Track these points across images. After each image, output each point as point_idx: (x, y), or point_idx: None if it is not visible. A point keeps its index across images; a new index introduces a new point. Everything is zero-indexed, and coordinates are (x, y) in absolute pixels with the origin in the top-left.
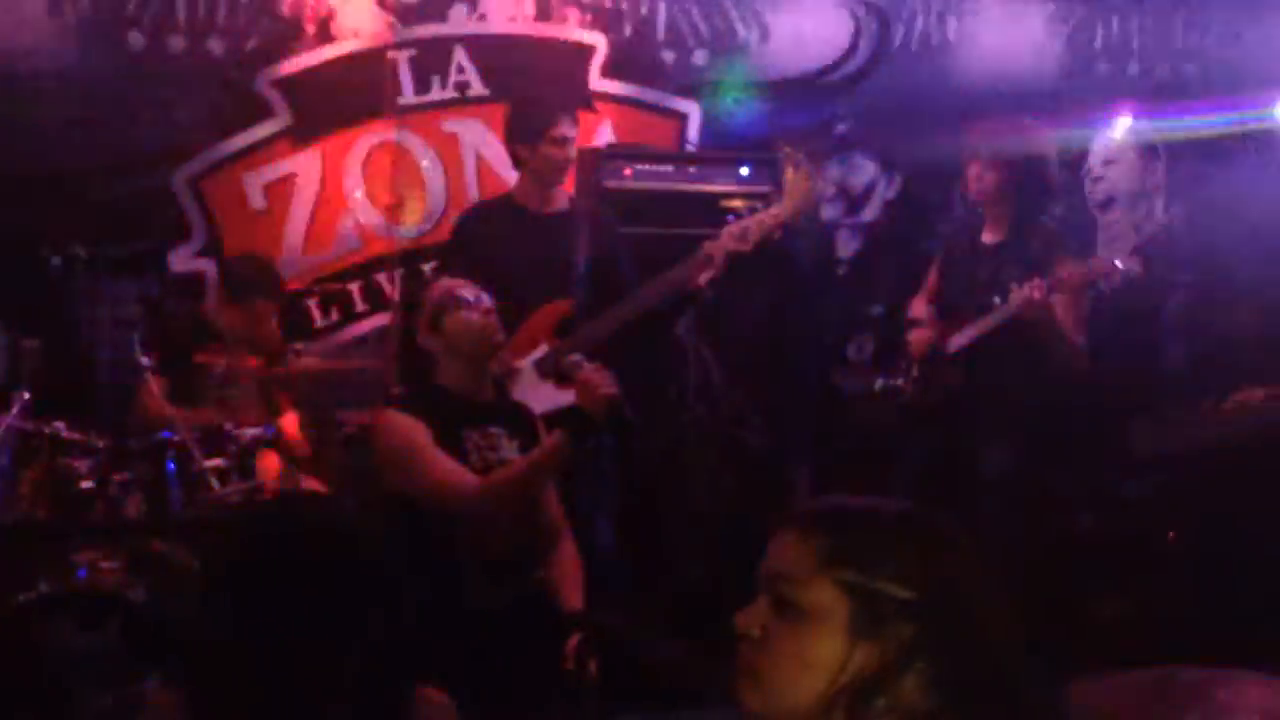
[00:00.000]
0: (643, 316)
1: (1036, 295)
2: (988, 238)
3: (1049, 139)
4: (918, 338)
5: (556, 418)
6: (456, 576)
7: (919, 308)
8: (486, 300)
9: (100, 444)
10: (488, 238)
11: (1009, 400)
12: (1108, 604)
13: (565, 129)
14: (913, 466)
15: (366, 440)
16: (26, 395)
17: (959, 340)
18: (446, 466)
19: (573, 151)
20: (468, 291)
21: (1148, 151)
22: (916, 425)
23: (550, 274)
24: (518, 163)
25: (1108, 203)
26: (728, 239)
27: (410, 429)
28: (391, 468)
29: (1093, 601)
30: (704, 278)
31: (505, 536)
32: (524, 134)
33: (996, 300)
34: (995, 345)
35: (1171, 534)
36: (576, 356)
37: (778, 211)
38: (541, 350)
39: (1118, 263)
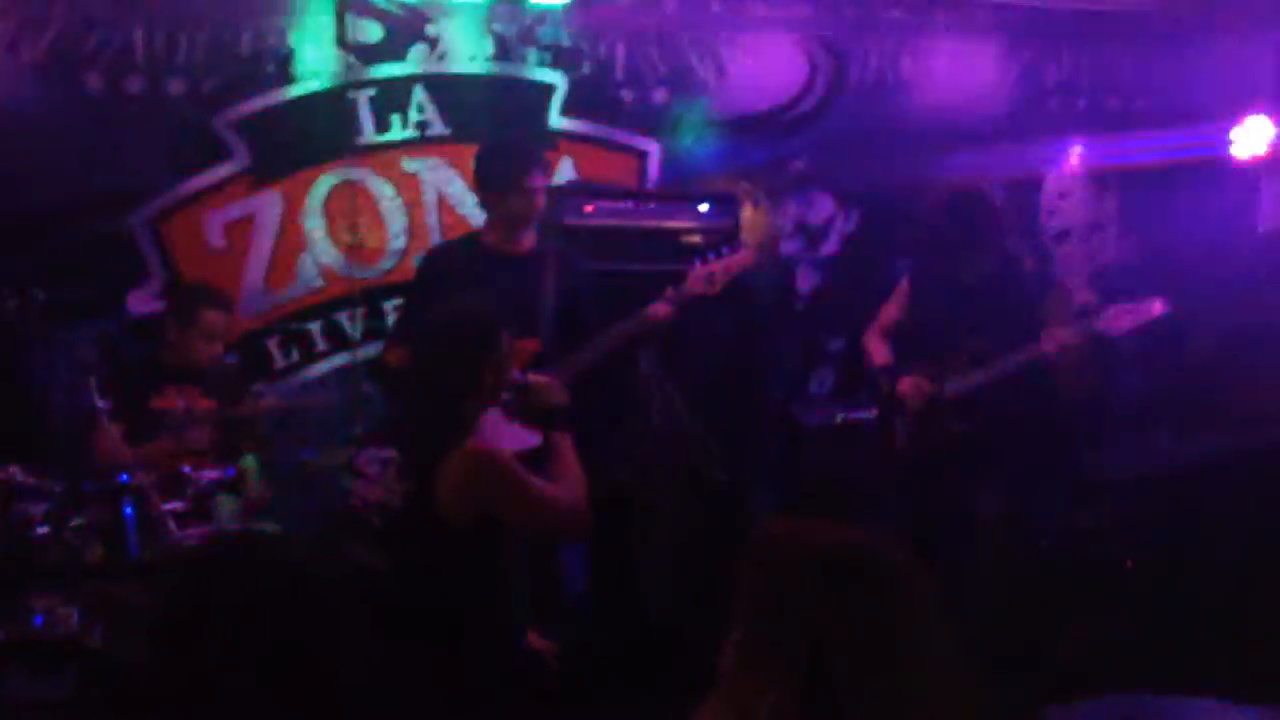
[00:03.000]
0: (609, 357)
1: (1074, 340)
2: (968, 277)
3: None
4: (913, 385)
5: (552, 423)
6: (505, 607)
7: (881, 347)
8: None
9: (56, 488)
10: (453, 276)
11: (1013, 445)
12: (1072, 633)
13: (535, 179)
14: (901, 512)
15: (450, 474)
16: None
17: (959, 385)
18: (548, 488)
19: (542, 200)
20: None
21: (1100, 184)
22: (906, 471)
23: (517, 314)
24: (486, 207)
25: (1063, 235)
26: (695, 283)
27: (508, 457)
28: (495, 499)
29: (1058, 630)
30: (666, 317)
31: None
32: (493, 182)
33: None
34: (1002, 390)
35: (1129, 562)
36: (518, 375)
37: (745, 256)
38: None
39: (1155, 306)
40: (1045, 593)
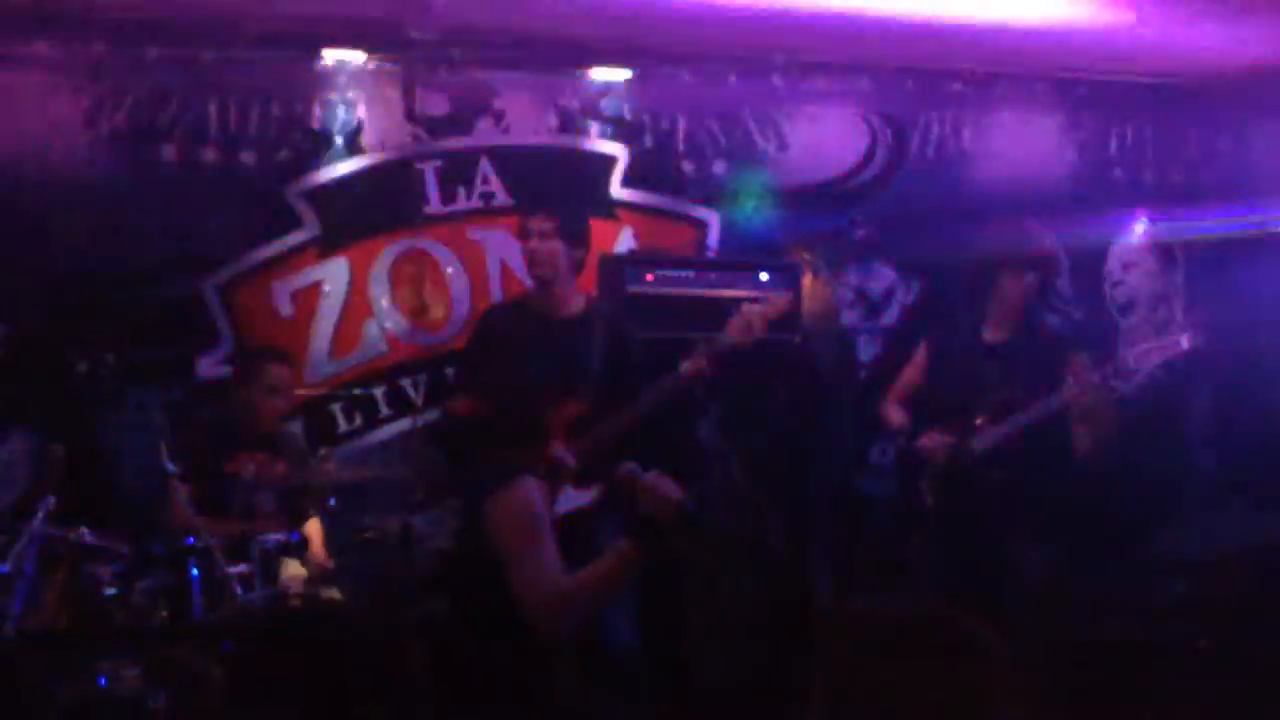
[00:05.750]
0: (656, 416)
1: (1098, 382)
2: (990, 337)
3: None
4: (935, 440)
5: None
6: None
7: (897, 412)
8: None
9: (125, 550)
10: (503, 337)
11: (1040, 499)
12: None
13: (532, 223)
14: (935, 572)
15: (480, 524)
16: (52, 501)
17: (985, 439)
18: (552, 563)
19: (542, 246)
20: None
21: (1165, 255)
22: (937, 531)
23: (565, 376)
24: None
25: (1128, 306)
26: (732, 331)
27: (540, 514)
28: (501, 522)
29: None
30: (702, 368)
31: None
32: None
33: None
34: (1023, 443)
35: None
36: (632, 466)
37: (779, 301)
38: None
39: (1183, 341)
40: (1116, 671)
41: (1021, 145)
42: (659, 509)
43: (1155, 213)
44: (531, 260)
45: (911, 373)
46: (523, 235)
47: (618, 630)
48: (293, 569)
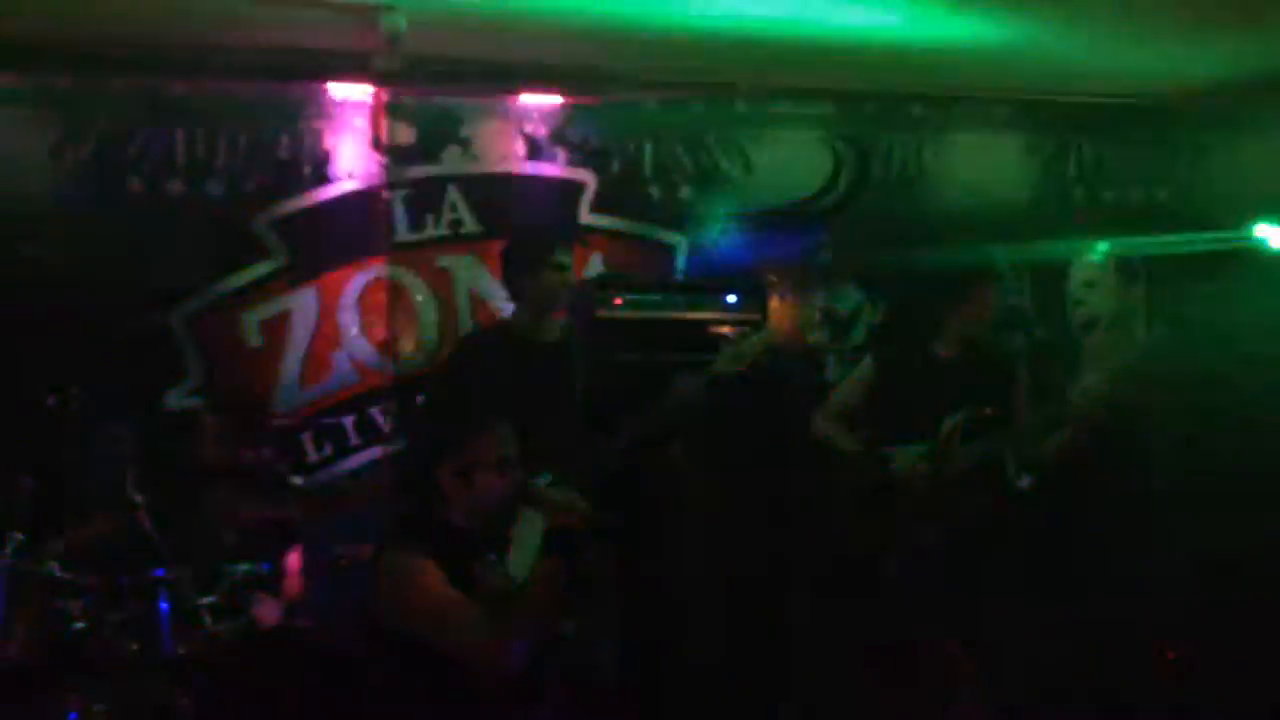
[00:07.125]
0: (641, 441)
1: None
2: (943, 354)
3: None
4: (909, 465)
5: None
6: (469, 704)
7: (844, 431)
8: (514, 458)
9: (93, 583)
10: (482, 365)
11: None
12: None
13: (564, 257)
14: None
15: (369, 577)
16: (20, 536)
17: (963, 458)
18: (459, 612)
19: (571, 279)
20: (507, 448)
21: (1127, 274)
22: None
23: (545, 402)
24: (516, 294)
25: (1089, 325)
26: (722, 363)
27: (420, 572)
28: (400, 610)
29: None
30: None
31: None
32: (524, 263)
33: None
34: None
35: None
36: (536, 484)
37: (770, 333)
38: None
39: None
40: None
41: (983, 166)
42: (569, 522)
43: (1116, 232)
44: (550, 295)
45: (846, 391)
46: (565, 273)
47: (597, 668)
48: (263, 599)
